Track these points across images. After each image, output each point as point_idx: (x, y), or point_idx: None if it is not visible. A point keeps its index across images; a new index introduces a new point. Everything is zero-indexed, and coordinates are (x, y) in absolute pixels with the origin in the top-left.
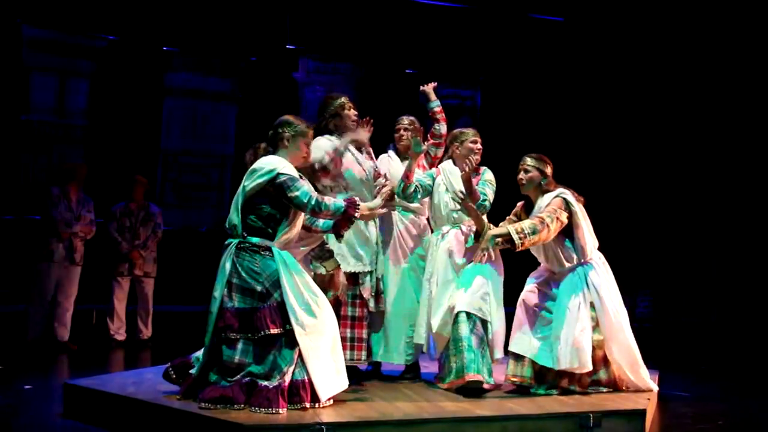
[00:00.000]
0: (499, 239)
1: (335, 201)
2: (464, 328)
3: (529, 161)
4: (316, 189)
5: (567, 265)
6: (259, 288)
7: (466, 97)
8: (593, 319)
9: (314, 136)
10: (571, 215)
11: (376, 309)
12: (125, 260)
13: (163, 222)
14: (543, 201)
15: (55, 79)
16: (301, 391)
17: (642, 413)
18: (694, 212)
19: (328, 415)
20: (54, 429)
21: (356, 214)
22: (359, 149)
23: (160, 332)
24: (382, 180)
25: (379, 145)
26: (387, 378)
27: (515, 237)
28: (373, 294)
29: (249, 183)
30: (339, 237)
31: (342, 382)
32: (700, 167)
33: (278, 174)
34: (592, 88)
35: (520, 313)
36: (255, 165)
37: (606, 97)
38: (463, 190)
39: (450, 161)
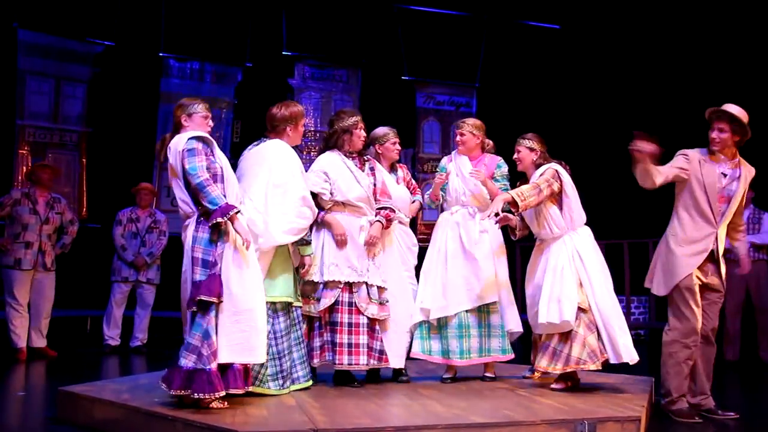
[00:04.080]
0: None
1: (216, 196)
2: (497, 317)
3: (521, 142)
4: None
5: (557, 231)
6: (211, 258)
7: (462, 103)
8: (578, 280)
9: (324, 149)
10: (561, 185)
11: (380, 317)
12: (130, 266)
13: (168, 229)
14: (537, 173)
15: (51, 83)
16: (230, 376)
17: (637, 420)
18: None
19: (323, 422)
20: None
21: (218, 221)
22: (362, 165)
23: (155, 338)
24: (389, 201)
25: None
26: (381, 380)
27: (517, 199)
28: (372, 301)
29: (173, 158)
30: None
31: (252, 357)
32: None
33: (189, 139)
34: (588, 95)
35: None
36: (171, 143)
37: (602, 104)
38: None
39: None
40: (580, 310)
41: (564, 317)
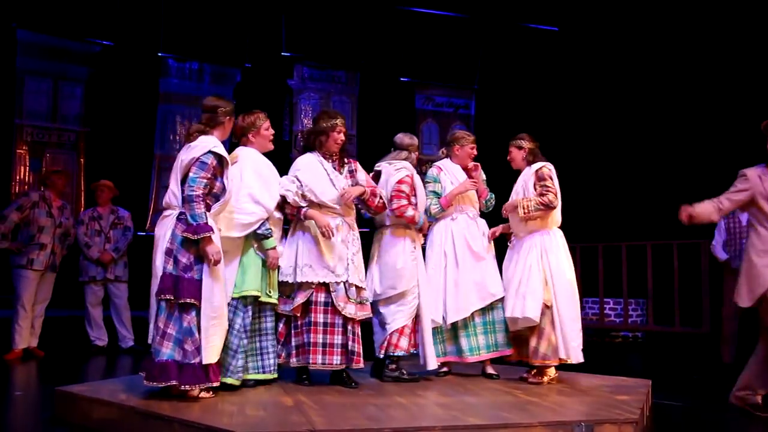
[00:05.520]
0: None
1: (199, 214)
2: (500, 312)
3: (511, 143)
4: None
5: (540, 223)
6: (184, 259)
7: (461, 105)
8: (544, 279)
9: (303, 148)
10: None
11: (358, 317)
12: (96, 264)
13: (133, 225)
14: (530, 171)
15: (49, 83)
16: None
17: (634, 422)
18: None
19: (320, 423)
20: None
21: (188, 237)
22: (341, 167)
23: (141, 337)
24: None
25: (376, 152)
26: (376, 379)
27: (521, 211)
28: (351, 301)
29: (186, 157)
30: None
31: (219, 356)
32: (694, 176)
33: (208, 152)
34: (586, 97)
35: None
36: (193, 142)
37: (599, 106)
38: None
39: (447, 159)
40: (546, 306)
41: (526, 313)
